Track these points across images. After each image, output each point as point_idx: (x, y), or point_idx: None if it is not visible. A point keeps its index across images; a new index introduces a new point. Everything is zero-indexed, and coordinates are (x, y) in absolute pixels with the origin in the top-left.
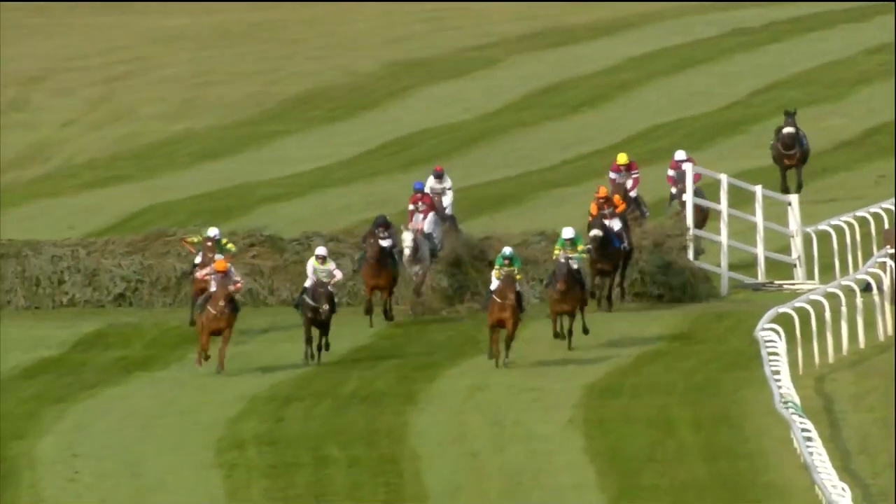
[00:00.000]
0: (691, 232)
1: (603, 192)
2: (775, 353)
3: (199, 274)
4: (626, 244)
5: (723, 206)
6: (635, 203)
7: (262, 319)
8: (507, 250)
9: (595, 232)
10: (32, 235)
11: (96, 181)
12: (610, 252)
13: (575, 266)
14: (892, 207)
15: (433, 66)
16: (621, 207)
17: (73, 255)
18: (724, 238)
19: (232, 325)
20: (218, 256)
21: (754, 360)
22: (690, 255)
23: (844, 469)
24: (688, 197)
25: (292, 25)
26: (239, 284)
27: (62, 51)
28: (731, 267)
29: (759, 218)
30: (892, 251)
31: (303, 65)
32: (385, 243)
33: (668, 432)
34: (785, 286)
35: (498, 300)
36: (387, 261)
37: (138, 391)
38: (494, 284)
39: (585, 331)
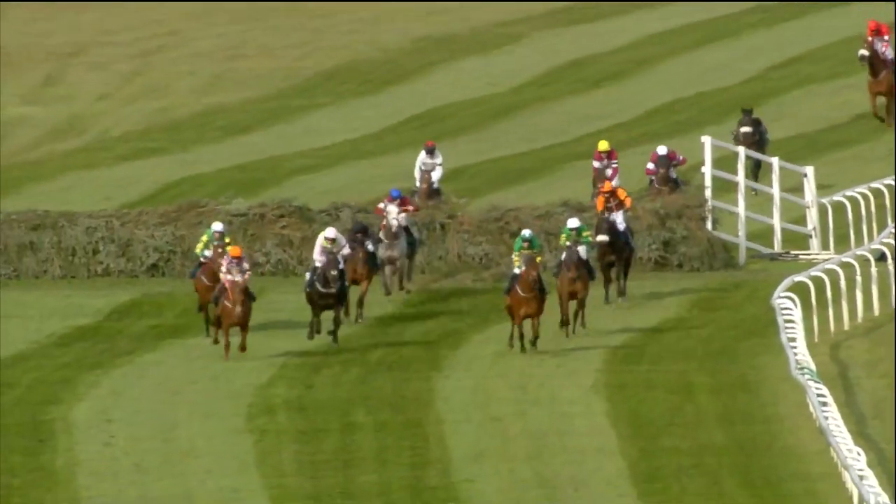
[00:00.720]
0: (710, 203)
1: (608, 186)
2: (791, 321)
3: (222, 277)
4: (631, 241)
5: (740, 177)
6: (674, 182)
7: (292, 288)
8: (526, 232)
9: (602, 238)
10: (68, 207)
11: (130, 154)
12: (617, 246)
13: (584, 256)
14: None
15: (460, 42)
16: (628, 203)
17: (107, 225)
18: (741, 209)
19: (249, 317)
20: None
21: (771, 328)
22: (709, 225)
23: (859, 433)
24: (706, 169)
25: (323, 1)
26: (248, 275)
27: (97, 26)
28: (749, 237)
29: (775, 189)
30: None
31: (333, 39)
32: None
33: (688, 397)
34: (801, 256)
35: (521, 293)
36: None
37: (171, 358)
38: (516, 270)
39: (583, 322)
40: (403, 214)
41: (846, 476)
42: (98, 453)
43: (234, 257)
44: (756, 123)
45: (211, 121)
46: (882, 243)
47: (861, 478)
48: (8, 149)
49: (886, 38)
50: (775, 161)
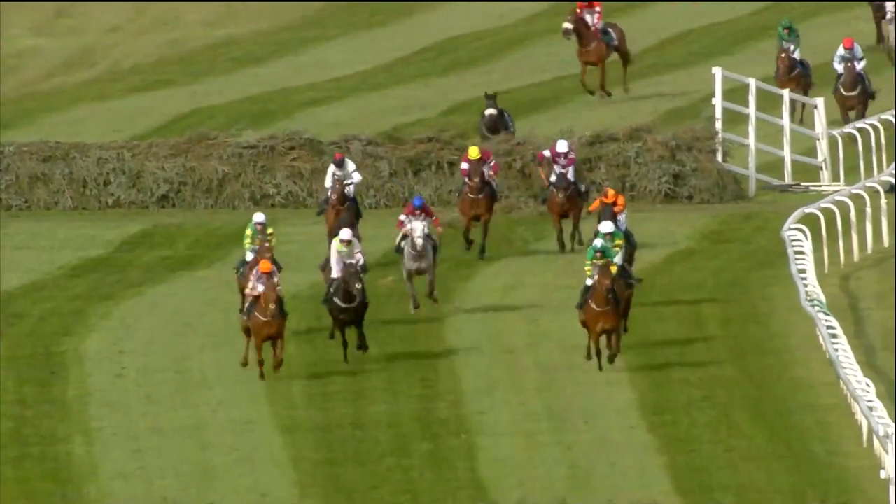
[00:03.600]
0: (720, 135)
1: (611, 195)
2: (801, 253)
3: (248, 291)
4: (633, 239)
5: (751, 109)
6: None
7: (302, 221)
8: (597, 242)
9: (604, 223)
10: (79, 138)
11: (141, 86)
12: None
13: (619, 261)
14: None
15: None
16: (620, 206)
17: (118, 157)
18: (751, 140)
19: (283, 330)
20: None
21: (781, 259)
22: (719, 157)
23: (869, 365)
24: (717, 101)
25: None
26: (280, 288)
27: None
28: (759, 169)
29: (785, 121)
30: None
31: None
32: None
33: (698, 329)
34: (811, 187)
35: (596, 308)
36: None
37: (182, 290)
38: (588, 282)
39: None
40: (425, 224)
41: (856, 407)
42: (110, 384)
43: (264, 273)
44: (501, 111)
45: (222, 53)
46: (891, 175)
47: (870, 409)
48: (19, 80)
49: (598, 9)
50: (786, 93)
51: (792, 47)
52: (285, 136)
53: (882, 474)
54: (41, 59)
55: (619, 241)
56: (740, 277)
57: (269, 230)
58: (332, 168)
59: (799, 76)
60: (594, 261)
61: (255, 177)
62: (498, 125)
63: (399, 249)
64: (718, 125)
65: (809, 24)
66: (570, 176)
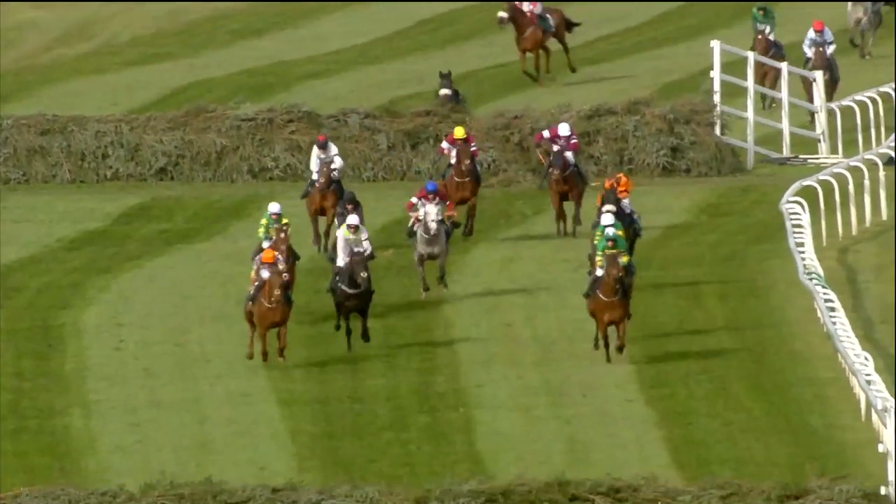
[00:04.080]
0: (718, 108)
1: (624, 182)
2: (800, 226)
3: (252, 276)
4: (638, 225)
5: (749, 82)
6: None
7: (300, 192)
8: (609, 231)
9: (608, 207)
10: (77, 111)
11: (139, 58)
12: (624, 223)
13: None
14: None
15: None
16: (624, 192)
17: (116, 130)
18: (750, 113)
19: (287, 318)
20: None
21: (779, 233)
22: (717, 130)
23: (867, 338)
24: (715, 74)
25: None
26: (286, 275)
27: None
28: (757, 142)
29: (784, 94)
30: None
31: None
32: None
33: (696, 303)
34: (809, 160)
35: (604, 298)
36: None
37: (180, 263)
38: (598, 272)
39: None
40: (439, 209)
41: (854, 381)
42: (108, 358)
43: (266, 262)
44: (455, 91)
45: (220, 25)
46: (890, 147)
47: (869, 383)
48: (18, 53)
49: None
50: (784, 66)
51: (767, 29)
52: (284, 109)
53: (880, 448)
54: (39, 32)
55: (619, 233)
56: (738, 251)
57: (284, 220)
58: (315, 151)
59: (775, 58)
60: (605, 250)
61: (253, 150)
62: (455, 101)
63: (412, 233)
64: (717, 98)
65: (790, 4)
66: (572, 159)
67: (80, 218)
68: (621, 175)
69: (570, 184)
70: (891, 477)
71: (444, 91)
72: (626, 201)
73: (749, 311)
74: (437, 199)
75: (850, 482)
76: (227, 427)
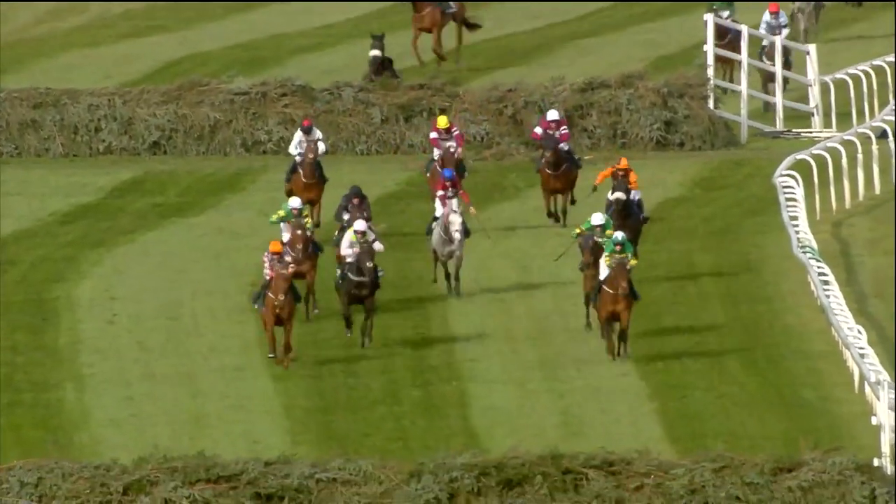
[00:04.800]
0: (712, 82)
1: (624, 163)
2: (793, 199)
3: (266, 272)
4: (645, 214)
5: (743, 56)
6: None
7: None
8: (618, 235)
9: (618, 194)
10: (70, 85)
11: (132, 31)
12: (630, 220)
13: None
14: None
15: None
16: (633, 183)
17: (109, 103)
18: (743, 87)
19: (293, 314)
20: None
21: (773, 206)
22: (711, 104)
23: (860, 312)
24: (709, 48)
25: None
26: (292, 268)
27: None
28: (751, 115)
29: (777, 67)
30: None
31: None
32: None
33: (690, 277)
34: (803, 134)
35: (610, 291)
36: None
37: (173, 237)
38: (604, 273)
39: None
40: (461, 219)
41: (847, 354)
42: (101, 331)
43: (273, 253)
44: (387, 58)
45: None
46: (883, 121)
47: (862, 356)
48: (10, 27)
49: None
50: (778, 40)
51: (726, 14)
52: (277, 83)
53: (873, 420)
54: (31, 6)
55: (609, 232)
56: (732, 224)
57: (305, 213)
58: (299, 135)
59: (733, 42)
60: (613, 253)
61: (246, 123)
62: (383, 66)
63: (430, 231)
64: (710, 72)
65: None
66: (565, 147)
67: (73, 192)
68: (623, 160)
69: (562, 182)
70: (884, 449)
71: (374, 52)
72: (634, 192)
73: (742, 285)
74: (454, 188)
75: (843, 454)
76: (221, 401)
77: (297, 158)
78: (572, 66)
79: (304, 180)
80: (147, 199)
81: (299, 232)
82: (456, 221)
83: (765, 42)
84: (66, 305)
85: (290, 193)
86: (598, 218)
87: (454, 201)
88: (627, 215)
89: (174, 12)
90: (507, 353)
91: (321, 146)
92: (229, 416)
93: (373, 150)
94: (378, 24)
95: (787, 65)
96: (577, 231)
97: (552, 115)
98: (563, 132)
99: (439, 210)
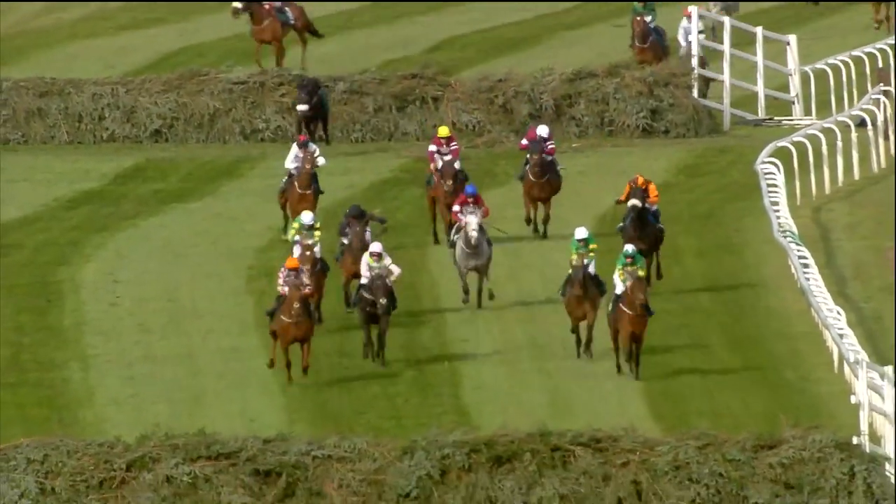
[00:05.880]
0: (696, 72)
1: (640, 181)
2: (774, 185)
3: (279, 288)
4: (660, 225)
5: (725, 46)
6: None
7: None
8: (629, 248)
9: (634, 202)
10: (72, 74)
11: (133, 23)
12: (647, 229)
13: (592, 271)
14: (887, 47)
15: None
16: (654, 196)
17: (112, 92)
18: (726, 77)
19: (311, 333)
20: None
21: (755, 192)
22: (695, 92)
23: (839, 294)
24: (693, 37)
25: None
26: (309, 288)
27: None
28: (734, 104)
29: (759, 57)
30: (886, 88)
31: None
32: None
33: (674, 260)
34: (784, 122)
35: (628, 311)
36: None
37: (174, 221)
38: (620, 288)
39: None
40: (480, 220)
41: (827, 335)
42: (104, 313)
43: (290, 269)
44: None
45: None
46: (862, 109)
47: (841, 336)
48: (15, 17)
49: None
50: (759, 30)
51: (649, 18)
52: (274, 73)
53: (852, 399)
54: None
55: (592, 247)
56: (715, 209)
57: (317, 225)
58: (295, 149)
59: (654, 45)
60: (625, 267)
61: (245, 112)
62: (316, 116)
63: (452, 244)
64: (694, 62)
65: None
66: (548, 158)
67: (78, 178)
68: (640, 177)
69: (546, 190)
70: (862, 427)
71: (302, 107)
72: (654, 208)
73: (725, 268)
74: (476, 204)
75: (823, 432)
76: (219, 380)
77: (294, 172)
78: (560, 57)
79: (298, 190)
80: (148, 185)
81: (308, 254)
82: (473, 222)
83: (681, 52)
84: (71, 288)
85: (284, 205)
86: (581, 232)
87: (473, 217)
88: (643, 224)
89: (172, 4)
90: (496, 334)
91: (321, 160)
92: (227, 394)
93: (367, 138)
94: (370, 15)
95: (703, 64)
96: (574, 257)
97: (542, 130)
98: (549, 147)
99: (473, 224)
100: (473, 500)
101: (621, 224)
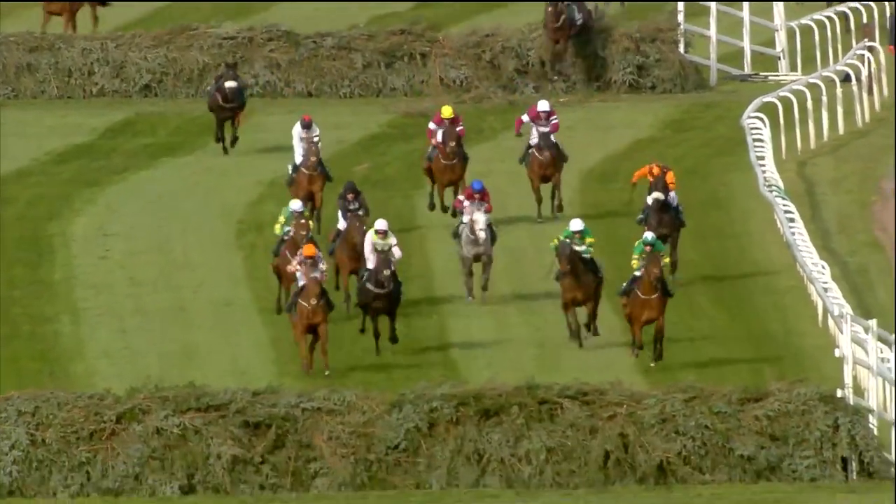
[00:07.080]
0: (682, 27)
1: (656, 170)
2: (760, 140)
3: (291, 268)
4: (681, 216)
5: (712, 1)
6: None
7: (279, 110)
8: (648, 235)
9: (657, 194)
10: (62, 29)
11: None
12: (667, 217)
13: (586, 256)
14: (871, 3)
15: None
16: (672, 183)
17: (102, 48)
18: (713, 32)
19: (327, 320)
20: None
21: (741, 147)
22: (681, 48)
23: (824, 247)
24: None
25: None
26: (325, 275)
27: None
28: (720, 59)
29: (745, 13)
30: (871, 44)
31: None
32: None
33: None
34: (770, 77)
35: (642, 296)
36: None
37: (164, 175)
38: (637, 273)
39: (595, 331)
40: (487, 217)
41: (811, 289)
42: (95, 266)
43: (307, 256)
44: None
45: None
46: (847, 65)
47: (826, 290)
48: None
49: None
50: None
51: None
52: (263, 29)
53: (836, 353)
54: None
55: (588, 240)
56: (701, 164)
57: (306, 214)
58: (298, 130)
59: (565, 25)
60: (643, 254)
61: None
62: (237, 97)
63: (456, 234)
64: (681, 17)
65: None
66: (553, 138)
67: (68, 132)
68: (656, 167)
69: (553, 167)
70: (846, 380)
71: (230, 84)
72: (672, 194)
73: (711, 222)
74: (482, 199)
75: (807, 385)
76: (210, 333)
77: (299, 159)
78: (539, 13)
79: (307, 172)
80: (138, 139)
81: (303, 221)
82: (481, 220)
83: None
84: (62, 242)
85: (295, 192)
86: (576, 224)
87: (481, 215)
88: (665, 211)
89: None
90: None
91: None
92: (218, 348)
93: (355, 93)
94: None
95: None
96: (555, 241)
97: (542, 105)
98: (553, 122)
99: (465, 216)
100: (461, 452)
101: (640, 216)
